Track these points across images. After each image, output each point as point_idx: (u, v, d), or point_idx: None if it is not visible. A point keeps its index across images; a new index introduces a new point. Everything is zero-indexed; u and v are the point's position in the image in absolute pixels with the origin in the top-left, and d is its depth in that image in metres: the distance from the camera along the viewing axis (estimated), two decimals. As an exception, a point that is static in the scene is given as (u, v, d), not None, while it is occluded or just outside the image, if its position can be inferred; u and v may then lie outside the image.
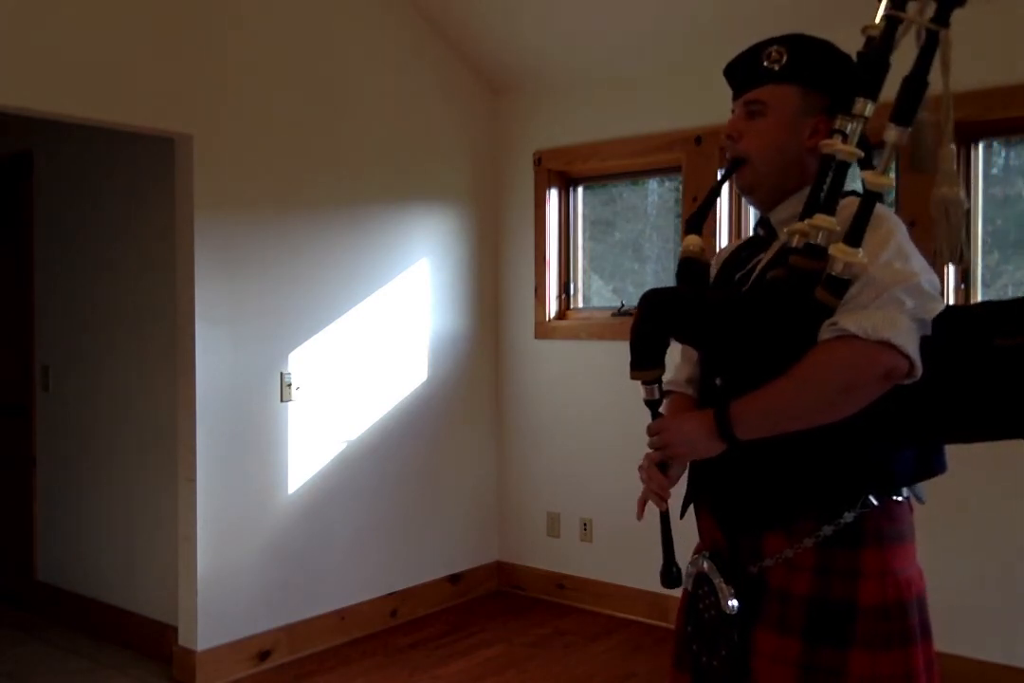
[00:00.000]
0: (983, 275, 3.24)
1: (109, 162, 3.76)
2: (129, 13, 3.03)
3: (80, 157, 3.88)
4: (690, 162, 3.72)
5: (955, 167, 1.39)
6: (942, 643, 3.16)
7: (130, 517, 3.69)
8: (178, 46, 3.15)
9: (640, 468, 1.63)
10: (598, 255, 4.31)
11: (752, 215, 3.52)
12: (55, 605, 3.99)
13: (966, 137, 3.20)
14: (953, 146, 1.42)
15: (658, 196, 4.16)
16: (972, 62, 3.06)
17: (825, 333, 1.38)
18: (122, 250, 3.71)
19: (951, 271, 3.19)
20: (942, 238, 1.34)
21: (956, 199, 1.34)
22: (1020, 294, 3.18)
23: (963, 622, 3.12)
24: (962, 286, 3.22)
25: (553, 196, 4.22)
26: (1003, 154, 3.29)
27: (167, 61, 3.11)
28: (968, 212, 3.18)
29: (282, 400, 3.47)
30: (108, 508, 3.79)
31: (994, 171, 3.27)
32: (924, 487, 1.56)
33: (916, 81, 1.36)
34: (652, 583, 1.65)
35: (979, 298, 3.22)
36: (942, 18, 1.35)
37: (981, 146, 3.22)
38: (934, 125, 1.43)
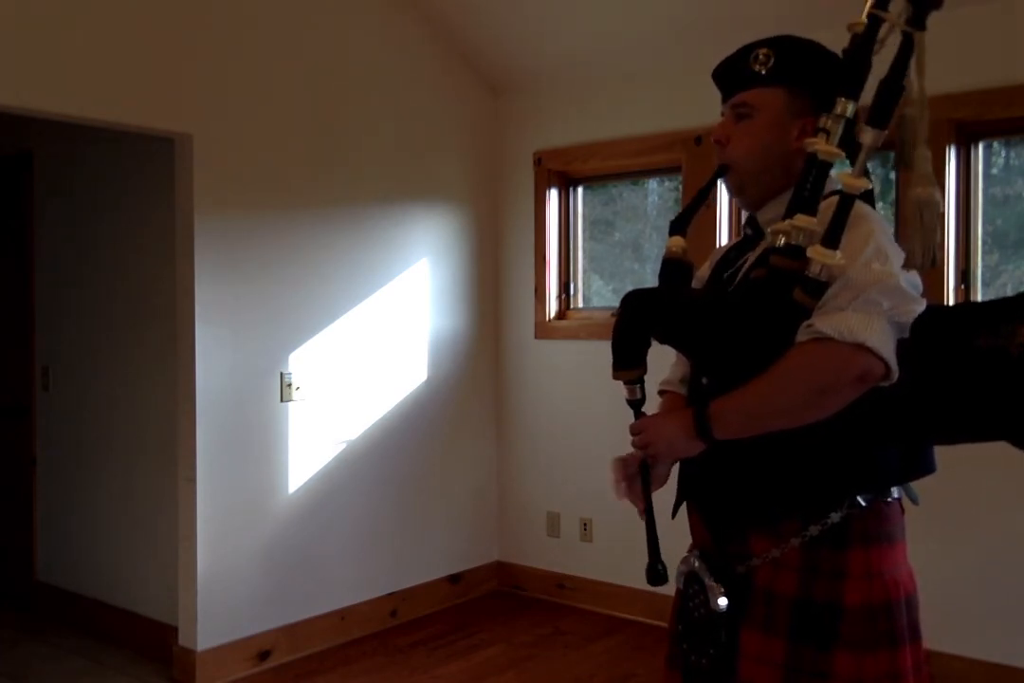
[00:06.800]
0: (983, 275, 3.24)
1: (109, 162, 3.76)
2: (129, 13, 3.03)
3: (80, 157, 3.88)
4: (690, 162, 3.72)
5: (931, 168, 1.38)
6: (942, 643, 3.16)
7: (130, 517, 3.69)
8: (178, 46, 3.15)
9: (616, 459, 1.64)
10: (598, 255, 4.31)
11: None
12: (55, 605, 3.99)
13: (966, 137, 3.20)
14: (928, 151, 1.41)
15: (658, 196, 4.16)
16: (973, 62, 3.07)
17: (802, 335, 1.38)
18: (122, 250, 3.71)
19: (951, 271, 3.20)
20: (915, 240, 1.33)
21: (930, 200, 1.34)
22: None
23: (962, 622, 3.12)
24: (962, 286, 3.22)
25: (553, 196, 4.22)
26: (1003, 154, 3.29)
27: (167, 61, 3.11)
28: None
29: (282, 400, 3.47)
30: (108, 508, 3.79)
31: (994, 171, 3.27)
32: (920, 487, 1.56)
33: (891, 84, 1.36)
34: (651, 583, 1.65)
35: (979, 298, 3.22)
36: (917, 20, 1.34)
37: (981, 146, 3.22)
38: (917, 121, 1.42)
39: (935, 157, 3.10)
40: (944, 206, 1.37)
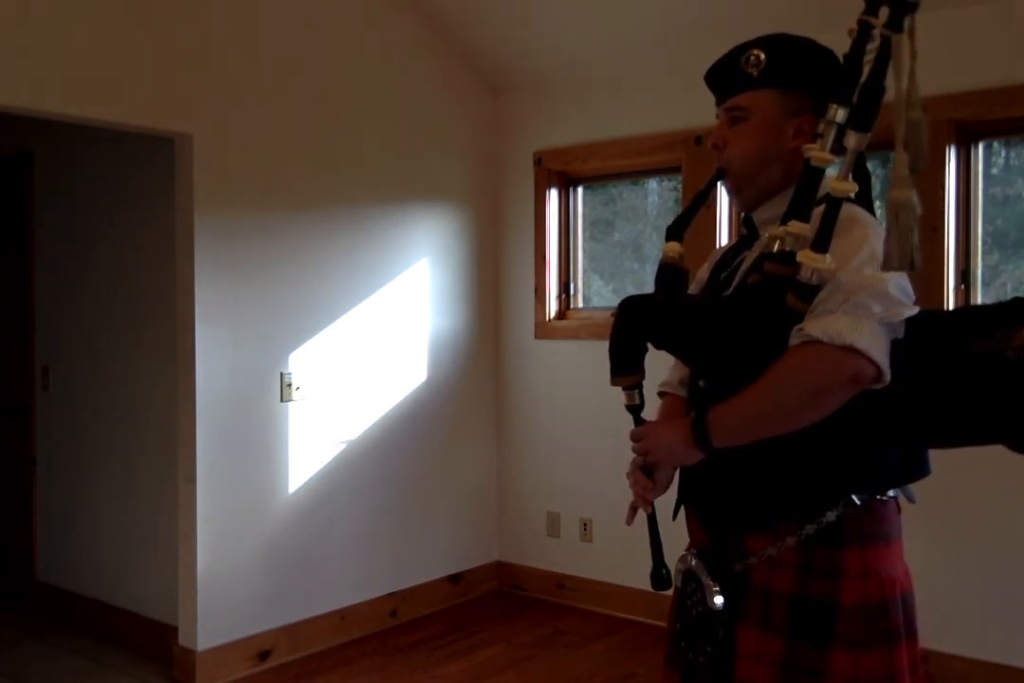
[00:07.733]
0: (983, 275, 3.24)
1: (109, 162, 3.76)
2: (129, 13, 3.03)
3: (80, 157, 3.88)
4: (690, 162, 3.72)
5: (907, 171, 1.37)
6: (942, 643, 3.16)
7: (130, 517, 3.69)
8: (178, 46, 3.15)
9: (627, 473, 1.65)
10: (598, 255, 4.31)
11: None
12: (55, 605, 3.99)
13: (966, 137, 3.20)
14: (906, 155, 1.40)
15: (658, 196, 4.16)
16: (973, 62, 3.07)
17: (793, 339, 1.39)
18: (122, 250, 3.71)
19: (951, 271, 3.20)
20: (892, 243, 1.33)
21: (907, 203, 1.33)
22: (1019, 294, 3.18)
23: (962, 622, 3.12)
24: (962, 286, 3.22)
25: (553, 196, 4.22)
26: (1003, 154, 3.29)
27: (167, 61, 3.11)
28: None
29: (282, 400, 3.47)
30: (108, 508, 3.79)
31: (994, 171, 3.27)
32: (920, 487, 1.56)
33: (871, 87, 1.36)
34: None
35: (979, 298, 3.22)
36: (895, 23, 1.34)
37: (981, 146, 3.22)
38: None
39: (935, 157, 3.11)
40: (921, 208, 1.35)
